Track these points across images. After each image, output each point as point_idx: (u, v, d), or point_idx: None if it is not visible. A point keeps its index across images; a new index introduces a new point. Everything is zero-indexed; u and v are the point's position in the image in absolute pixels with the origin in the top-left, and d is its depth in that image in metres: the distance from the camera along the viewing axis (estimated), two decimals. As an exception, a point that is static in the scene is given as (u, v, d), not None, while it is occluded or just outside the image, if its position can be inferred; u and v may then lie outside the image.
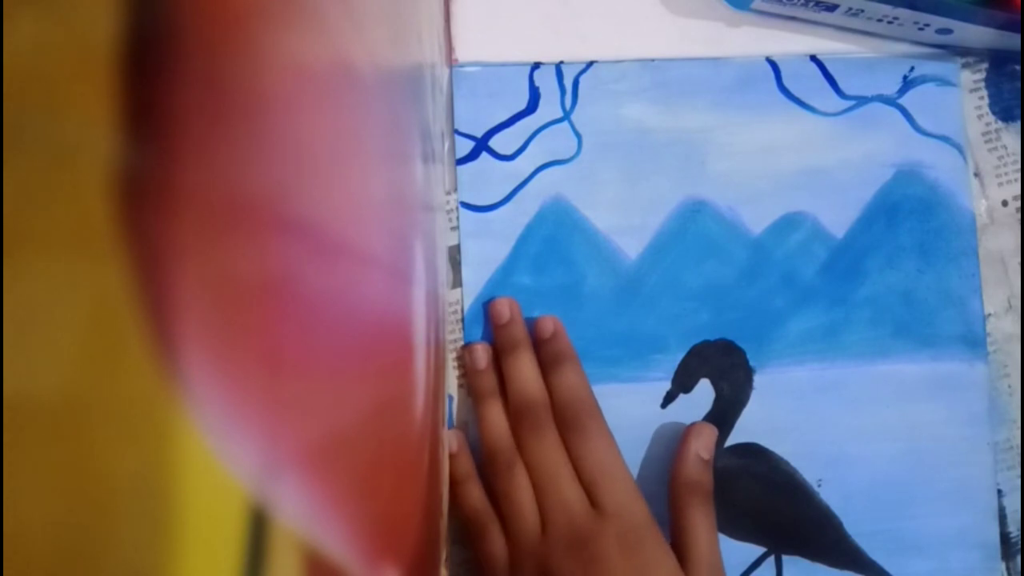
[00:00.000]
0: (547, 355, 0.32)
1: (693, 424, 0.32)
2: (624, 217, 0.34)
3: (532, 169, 0.34)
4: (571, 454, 0.30)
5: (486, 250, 0.34)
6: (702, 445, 0.31)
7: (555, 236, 0.34)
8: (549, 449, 0.30)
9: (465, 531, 0.31)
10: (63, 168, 0.07)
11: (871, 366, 0.35)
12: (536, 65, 0.34)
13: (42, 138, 0.07)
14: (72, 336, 0.07)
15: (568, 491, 0.29)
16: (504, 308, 0.32)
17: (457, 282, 0.33)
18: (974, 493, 0.34)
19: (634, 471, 0.33)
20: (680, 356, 0.34)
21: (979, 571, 0.34)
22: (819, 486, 0.34)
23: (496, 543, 0.30)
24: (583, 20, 0.35)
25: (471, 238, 0.34)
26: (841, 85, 0.35)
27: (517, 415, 0.31)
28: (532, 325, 0.33)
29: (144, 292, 0.08)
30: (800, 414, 0.34)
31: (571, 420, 0.30)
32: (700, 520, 0.30)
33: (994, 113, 0.36)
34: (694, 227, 0.35)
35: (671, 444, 0.33)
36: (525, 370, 0.31)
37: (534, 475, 0.30)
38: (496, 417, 0.31)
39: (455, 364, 0.33)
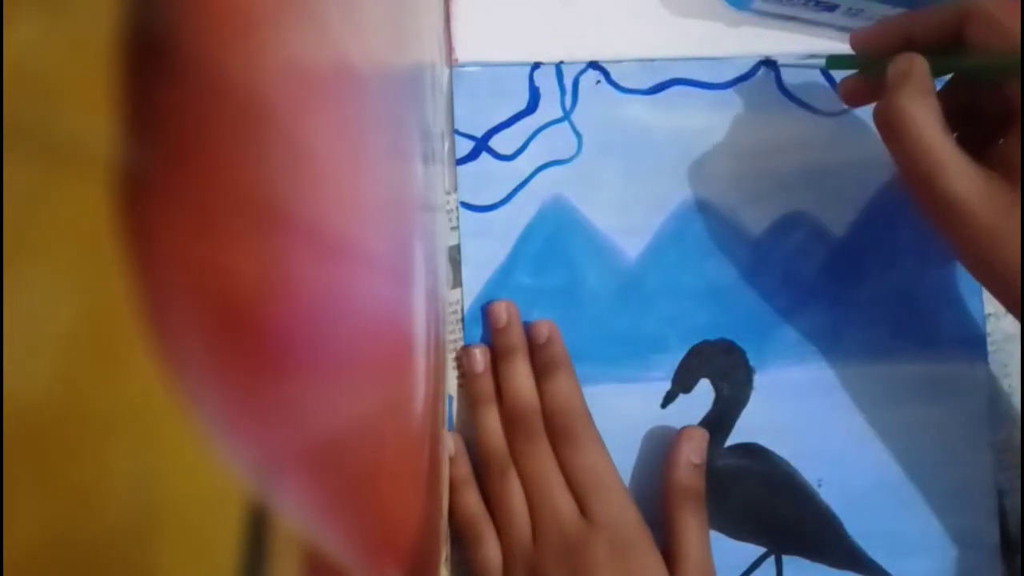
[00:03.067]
0: (541, 361, 0.32)
1: (684, 428, 0.32)
2: (624, 217, 0.34)
3: (532, 169, 0.34)
4: (562, 463, 0.30)
5: (486, 250, 0.34)
6: (693, 449, 0.31)
7: (555, 236, 0.34)
8: (541, 458, 0.30)
9: (461, 536, 0.31)
10: (63, 168, 0.07)
11: (871, 366, 0.35)
12: (536, 65, 0.34)
13: (42, 138, 0.07)
14: (71, 336, 0.07)
15: (559, 500, 0.29)
16: (501, 312, 0.32)
17: (457, 282, 0.33)
18: (974, 493, 0.34)
19: (634, 471, 0.33)
20: (680, 356, 0.34)
21: (979, 571, 0.34)
22: (819, 486, 0.34)
23: (490, 549, 0.30)
24: (583, 20, 0.35)
25: (471, 238, 0.34)
26: (841, 85, 0.35)
27: (510, 423, 0.31)
28: (530, 327, 0.33)
29: (144, 292, 0.08)
30: (800, 414, 0.34)
31: (562, 429, 0.30)
32: (691, 524, 0.30)
33: (994, 113, 0.36)
34: (694, 227, 0.35)
35: (670, 445, 0.33)
36: (519, 377, 0.31)
37: (526, 483, 0.30)
38: (491, 423, 0.31)
39: (455, 364, 0.33)
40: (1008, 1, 0.26)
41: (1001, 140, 0.28)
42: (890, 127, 0.27)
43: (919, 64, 0.27)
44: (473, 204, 0.34)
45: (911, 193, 0.27)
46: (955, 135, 0.30)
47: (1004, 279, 0.26)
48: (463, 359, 0.33)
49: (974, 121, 0.30)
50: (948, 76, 0.30)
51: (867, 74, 0.30)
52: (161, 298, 0.08)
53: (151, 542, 0.08)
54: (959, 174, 0.25)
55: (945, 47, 0.28)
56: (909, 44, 0.28)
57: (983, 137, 0.29)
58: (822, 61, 0.31)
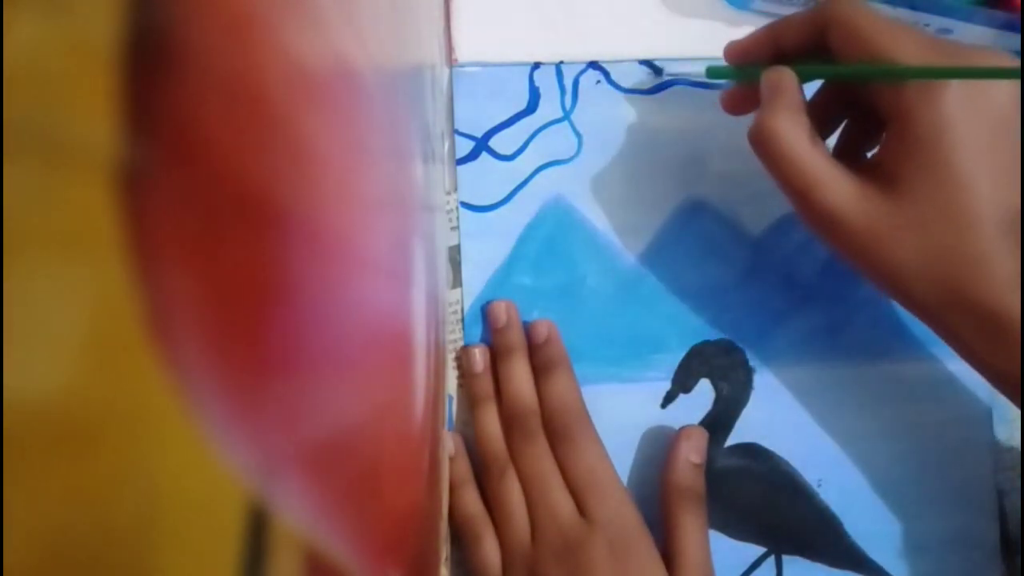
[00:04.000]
0: (540, 361, 0.32)
1: (683, 428, 0.32)
2: (624, 217, 0.34)
3: (532, 169, 0.34)
4: (560, 463, 0.30)
5: (486, 250, 0.34)
6: (692, 449, 0.31)
7: (555, 236, 0.34)
8: (539, 457, 0.30)
9: (460, 536, 0.31)
10: (63, 168, 0.07)
11: (871, 366, 0.35)
12: (536, 65, 0.34)
13: (42, 138, 0.07)
14: (72, 336, 0.07)
15: (557, 499, 0.29)
16: (501, 312, 0.32)
17: (457, 282, 0.33)
18: (974, 493, 0.34)
19: (634, 471, 0.33)
20: (680, 356, 0.34)
21: (979, 571, 0.34)
22: (819, 486, 0.34)
23: (489, 549, 0.30)
24: (583, 20, 0.35)
25: (471, 238, 0.34)
26: (841, 85, 0.35)
27: (509, 422, 0.31)
28: (529, 327, 0.33)
29: (145, 292, 0.08)
30: (800, 414, 0.34)
31: (560, 429, 0.30)
32: (691, 524, 0.30)
33: (994, 113, 0.36)
34: (694, 227, 0.35)
35: (670, 444, 0.33)
36: (518, 377, 0.31)
37: (525, 483, 0.30)
38: (490, 423, 0.31)
39: (455, 364, 0.33)
40: (866, 6, 0.26)
41: (877, 147, 0.28)
42: (762, 148, 0.27)
43: (787, 78, 0.27)
44: (473, 204, 0.34)
45: (795, 209, 0.27)
46: (839, 141, 0.30)
47: (889, 283, 0.26)
48: (463, 359, 0.33)
49: (855, 121, 0.30)
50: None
51: (744, 83, 0.30)
52: (162, 298, 0.08)
53: (151, 542, 0.08)
54: (830, 188, 0.26)
55: (812, 54, 0.27)
56: (779, 52, 0.28)
57: (864, 138, 0.29)
58: (701, 69, 0.31)
